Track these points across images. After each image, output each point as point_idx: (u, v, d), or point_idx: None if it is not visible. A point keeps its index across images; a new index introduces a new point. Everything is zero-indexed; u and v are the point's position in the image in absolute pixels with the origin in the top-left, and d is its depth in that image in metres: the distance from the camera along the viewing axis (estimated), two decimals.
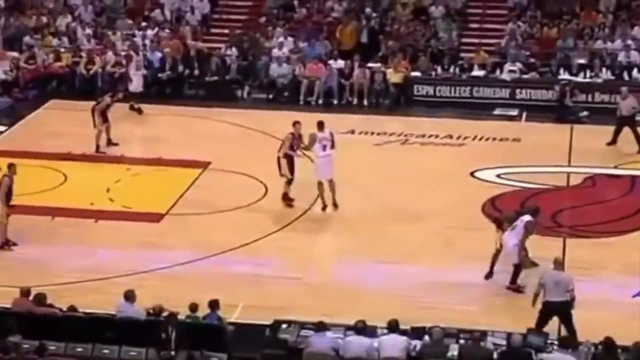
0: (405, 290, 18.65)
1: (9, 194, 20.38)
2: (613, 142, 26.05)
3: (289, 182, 22.58)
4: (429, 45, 32.02)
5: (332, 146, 22.38)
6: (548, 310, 16.81)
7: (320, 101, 30.18)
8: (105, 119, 25.63)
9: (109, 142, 25.77)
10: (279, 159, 22.53)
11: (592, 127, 27.52)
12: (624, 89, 26.70)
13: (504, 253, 18.83)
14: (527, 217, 18.76)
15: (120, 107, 26.91)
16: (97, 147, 25.49)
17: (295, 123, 22.81)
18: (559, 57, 31.05)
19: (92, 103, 26.02)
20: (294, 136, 22.67)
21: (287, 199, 22.59)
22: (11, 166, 20.70)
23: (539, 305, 16.95)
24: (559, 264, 17.20)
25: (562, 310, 16.77)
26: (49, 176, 23.44)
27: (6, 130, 27.66)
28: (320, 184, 22.33)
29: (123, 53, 31.32)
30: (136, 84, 29.13)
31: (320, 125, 22.59)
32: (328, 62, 30.89)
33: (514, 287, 18.66)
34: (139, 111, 28.60)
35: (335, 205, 22.32)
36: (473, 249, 20.32)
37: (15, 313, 16.27)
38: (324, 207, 22.37)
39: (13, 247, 20.53)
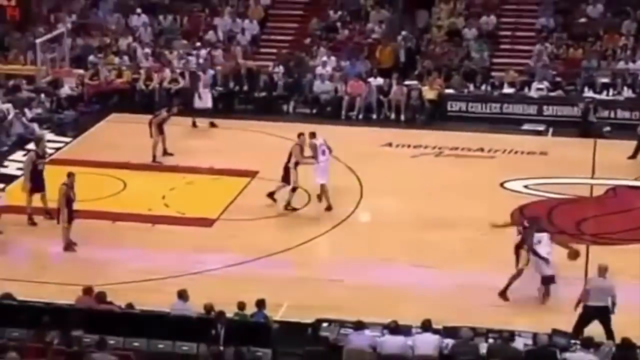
0: (439, 293, 18.55)
1: (69, 201, 20.55)
2: (634, 156, 25.82)
3: (294, 190, 22.66)
4: (462, 65, 31.89)
5: (330, 151, 22.75)
6: (590, 315, 16.68)
7: (360, 116, 30.13)
8: (161, 131, 25.73)
9: (165, 152, 25.87)
10: (288, 168, 22.61)
11: (614, 141, 27.28)
12: None
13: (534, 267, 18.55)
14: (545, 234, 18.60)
15: (179, 120, 26.93)
16: (154, 157, 25.58)
17: (300, 135, 22.95)
18: (584, 76, 30.84)
19: (150, 116, 26.15)
20: (301, 147, 22.72)
21: (290, 207, 22.67)
22: (70, 175, 20.88)
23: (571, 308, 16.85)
24: (604, 271, 17.02)
25: (603, 314, 16.63)
26: (110, 184, 23.56)
27: (71, 141, 27.83)
28: (323, 186, 22.42)
29: (178, 70, 31.55)
30: (205, 101, 28.83)
31: (313, 134, 22.94)
32: (368, 79, 30.83)
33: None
34: (213, 125, 28.62)
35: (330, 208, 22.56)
36: (503, 254, 20.17)
37: (78, 309, 16.38)
38: (329, 208, 22.51)
39: (75, 249, 20.67)
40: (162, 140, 25.78)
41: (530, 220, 19.25)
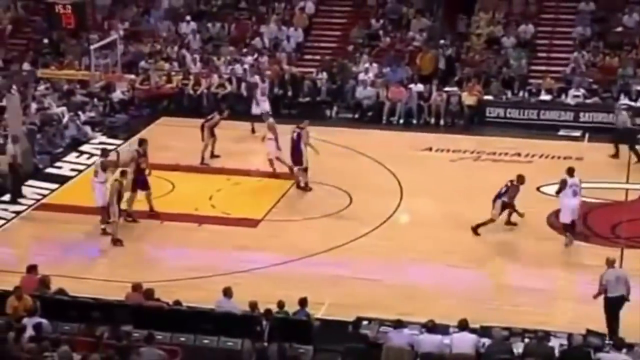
0: (476, 293, 18.46)
1: (119, 197, 20.80)
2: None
3: (306, 170, 23.71)
4: (500, 72, 31.70)
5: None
6: (612, 305, 16.72)
7: (401, 121, 30.03)
8: (212, 134, 25.84)
9: (212, 155, 25.96)
10: (301, 151, 23.68)
11: None
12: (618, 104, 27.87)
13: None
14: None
15: (226, 124, 26.98)
16: (202, 159, 25.68)
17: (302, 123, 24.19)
18: (620, 84, 30.54)
19: (200, 120, 26.26)
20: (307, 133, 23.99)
21: (306, 187, 23.77)
22: (123, 173, 21.10)
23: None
24: (613, 262, 17.20)
25: (620, 303, 16.73)
26: (159, 184, 23.66)
27: (123, 143, 28.00)
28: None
29: (225, 76, 31.66)
30: (262, 107, 28.52)
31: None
32: (409, 85, 30.76)
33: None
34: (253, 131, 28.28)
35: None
36: (539, 256, 20.12)
37: (128, 305, 16.47)
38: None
39: (123, 245, 20.82)
40: (212, 143, 25.88)
41: (518, 177, 21.25)
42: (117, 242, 20.89)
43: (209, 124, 25.84)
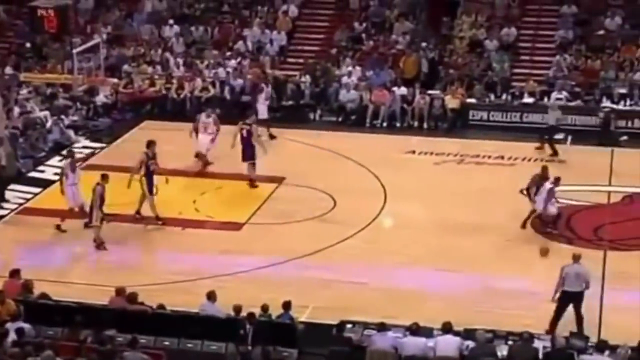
0: (462, 296, 18.48)
1: (102, 201, 20.75)
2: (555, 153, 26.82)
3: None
4: (483, 75, 31.78)
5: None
6: (567, 299, 17.00)
7: (384, 124, 30.04)
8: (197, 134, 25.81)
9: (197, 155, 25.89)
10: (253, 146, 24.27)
11: (631, 150, 27.09)
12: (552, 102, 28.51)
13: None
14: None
15: None
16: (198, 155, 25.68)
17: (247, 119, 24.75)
18: (602, 86, 30.67)
19: (184, 124, 26.26)
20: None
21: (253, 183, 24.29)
22: (104, 176, 21.07)
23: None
24: (578, 258, 17.35)
25: (578, 299, 16.98)
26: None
27: (106, 147, 27.94)
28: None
29: (209, 79, 31.67)
30: (262, 112, 28.36)
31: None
32: (392, 89, 30.79)
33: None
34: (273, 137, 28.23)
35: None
36: (524, 259, 20.17)
37: (111, 309, 16.42)
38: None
39: (107, 248, 20.79)
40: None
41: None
42: (100, 246, 20.83)
43: (194, 126, 25.83)
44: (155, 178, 22.24)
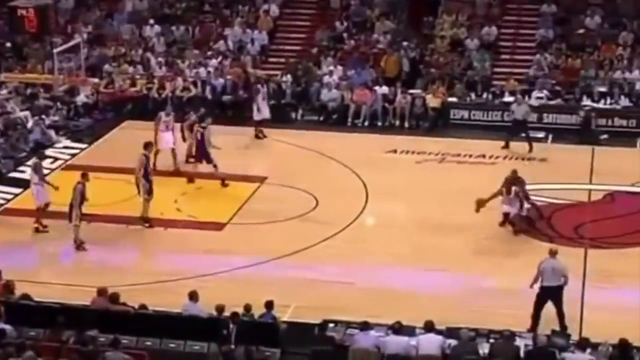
0: (444, 295, 18.52)
1: (82, 199, 20.70)
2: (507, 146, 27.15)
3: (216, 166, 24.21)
4: (464, 74, 31.86)
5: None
6: (545, 294, 17.10)
7: (366, 123, 30.05)
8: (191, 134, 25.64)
9: (188, 158, 25.66)
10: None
11: (611, 149, 27.25)
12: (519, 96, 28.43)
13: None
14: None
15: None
16: (187, 157, 25.50)
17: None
18: (582, 85, 30.79)
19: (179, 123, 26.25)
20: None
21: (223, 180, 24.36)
22: (84, 175, 21.10)
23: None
24: (554, 253, 17.47)
25: (556, 293, 17.09)
26: (123, 188, 23.50)
27: (87, 147, 27.85)
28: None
29: (190, 79, 31.63)
30: (263, 112, 28.37)
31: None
32: (373, 88, 30.83)
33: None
34: (263, 136, 28.27)
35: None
36: (506, 258, 20.23)
37: (93, 310, 16.38)
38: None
39: (86, 248, 20.77)
40: (189, 145, 25.64)
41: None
42: (80, 246, 20.78)
43: (186, 124, 25.70)
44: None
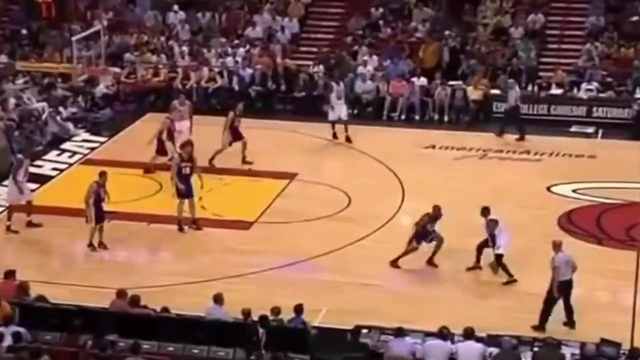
0: (484, 300, 18.48)
1: (98, 200, 20.70)
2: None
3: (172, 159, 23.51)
4: (508, 64, 31.76)
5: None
6: (562, 290, 17.32)
7: (402, 117, 30.05)
8: (233, 136, 25.41)
9: (244, 161, 25.59)
10: (162, 141, 24.77)
11: None
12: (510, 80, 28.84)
13: None
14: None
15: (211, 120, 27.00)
16: (244, 159, 25.55)
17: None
18: (635, 77, 30.58)
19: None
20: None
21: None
22: (102, 174, 21.06)
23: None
24: (559, 245, 17.73)
25: (570, 287, 17.39)
26: (145, 184, 23.65)
27: (107, 141, 28.00)
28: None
29: (216, 69, 31.72)
30: (338, 112, 27.78)
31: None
32: (411, 79, 30.79)
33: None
34: (347, 139, 27.66)
35: None
36: (549, 262, 20.10)
37: (112, 313, 16.46)
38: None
39: (99, 250, 20.85)
40: (242, 146, 25.50)
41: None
42: (91, 245, 20.87)
43: (225, 125, 25.47)
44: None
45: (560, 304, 17.44)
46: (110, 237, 21.07)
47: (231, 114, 25.71)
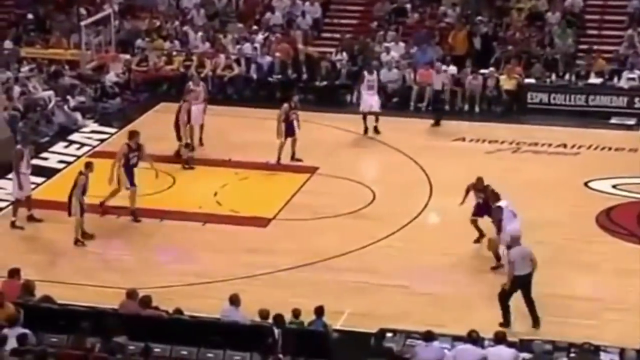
0: (515, 302, 18.45)
1: (83, 191, 21.01)
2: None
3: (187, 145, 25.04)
4: (544, 52, 31.68)
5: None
6: (518, 284, 17.60)
7: (430, 107, 30.00)
8: (286, 131, 25.26)
9: (293, 157, 25.53)
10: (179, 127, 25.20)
11: None
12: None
13: None
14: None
15: (226, 111, 27.08)
16: (293, 155, 25.53)
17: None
18: None
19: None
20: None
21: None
22: (88, 165, 21.33)
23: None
24: (518, 239, 18.04)
25: (528, 281, 17.64)
26: (158, 179, 23.72)
27: (117, 132, 28.07)
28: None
29: (233, 57, 31.77)
30: (368, 103, 27.72)
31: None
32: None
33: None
34: (376, 131, 27.76)
35: None
36: (587, 261, 20.08)
37: (122, 314, 16.53)
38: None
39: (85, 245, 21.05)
40: (291, 142, 25.44)
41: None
42: (78, 241, 21.00)
43: (279, 118, 25.24)
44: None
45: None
46: (120, 234, 21.16)
47: (285, 106, 25.52)
